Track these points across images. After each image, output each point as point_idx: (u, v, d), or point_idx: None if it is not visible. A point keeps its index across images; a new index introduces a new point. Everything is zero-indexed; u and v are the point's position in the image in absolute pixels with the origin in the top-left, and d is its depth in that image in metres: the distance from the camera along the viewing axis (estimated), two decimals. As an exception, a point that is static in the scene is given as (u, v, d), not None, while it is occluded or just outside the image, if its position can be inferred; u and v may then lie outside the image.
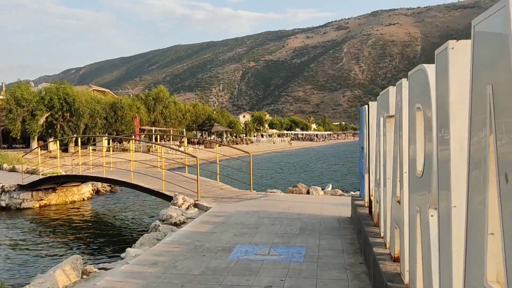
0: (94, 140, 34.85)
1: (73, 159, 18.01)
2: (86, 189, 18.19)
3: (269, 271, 5.28)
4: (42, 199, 16.37)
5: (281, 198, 11.57)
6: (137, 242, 7.77)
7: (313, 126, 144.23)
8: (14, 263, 9.50)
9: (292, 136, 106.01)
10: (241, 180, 14.55)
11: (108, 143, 27.50)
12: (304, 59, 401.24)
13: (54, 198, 16.71)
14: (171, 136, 50.75)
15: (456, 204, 2.15)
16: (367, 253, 5.27)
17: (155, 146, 34.93)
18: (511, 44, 1.43)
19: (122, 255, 6.82)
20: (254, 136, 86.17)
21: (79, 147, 17.84)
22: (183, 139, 44.53)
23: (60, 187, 16.83)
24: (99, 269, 5.99)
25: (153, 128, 51.12)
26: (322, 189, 13.00)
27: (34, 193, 16.23)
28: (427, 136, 2.80)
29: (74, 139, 35.67)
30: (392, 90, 4.36)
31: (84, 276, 5.68)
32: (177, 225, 8.75)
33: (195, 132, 66.16)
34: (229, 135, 73.45)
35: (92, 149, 20.00)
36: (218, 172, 14.42)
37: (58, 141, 24.11)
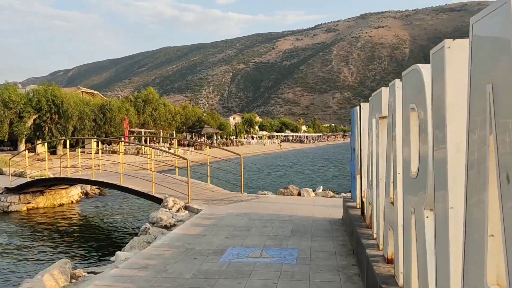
0: (83, 142, 34.53)
1: (62, 162, 17.78)
2: (75, 192, 17.97)
3: (262, 274, 5.23)
4: (29, 202, 16.14)
5: (272, 200, 11.54)
6: (127, 245, 7.68)
7: (303, 128, 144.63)
8: (1, 268, 9.33)
9: (282, 138, 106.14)
10: (232, 182, 14.49)
11: (97, 145, 27.33)
12: (294, 61, 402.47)
13: (42, 201, 16.48)
14: (161, 138, 50.51)
15: (453, 205, 2.12)
16: (359, 255, 5.25)
17: (144, 148, 34.71)
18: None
19: (112, 258, 6.73)
20: (244, 138, 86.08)
21: (68, 150, 17.61)
22: (173, 141, 44.33)
23: (48, 190, 16.61)
24: (88, 273, 5.90)
25: (143, 130, 50.83)
26: (313, 191, 13.00)
27: (21, 196, 15.99)
28: (422, 137, 2.77)
29: (62, 141, 35.32)
30: (384, 91, 4.33)
31: (73, 281, 5.58)
32: (168, 228, 8.67)
33: (185, 134, 65.92)
34: (219, 137, 73.29)
35: (81, 152, 19.78)
36: (208, 174, 14.34)
37: (46, 144, 23.94)
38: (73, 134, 39.26)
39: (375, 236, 4.93)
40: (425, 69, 2.70)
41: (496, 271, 1.66)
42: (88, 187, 19.29)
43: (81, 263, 9.22)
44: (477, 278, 1.76)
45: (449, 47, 2.17)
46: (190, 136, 66.33)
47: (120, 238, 12.10)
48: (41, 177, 16.62)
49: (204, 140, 63.63)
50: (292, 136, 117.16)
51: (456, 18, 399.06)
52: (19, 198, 15.94)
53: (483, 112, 1.68)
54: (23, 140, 37.64)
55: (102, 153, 29.53)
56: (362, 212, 6.41)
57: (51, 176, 17.15)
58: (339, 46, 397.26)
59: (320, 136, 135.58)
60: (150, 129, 52.97)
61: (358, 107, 6.59)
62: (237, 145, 69.47)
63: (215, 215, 9.14)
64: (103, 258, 9.43)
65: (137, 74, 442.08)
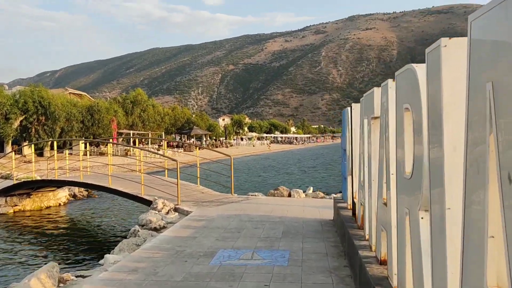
0: (71, 144, 34.13)
1: (49, 164, 17.55)
2: (63, 194, 17.74)
3: (253, 276, 5.18)
4: (16, 205, 15.89)
5: (263, 201, 11.49)
6: (116, 248, 7.57)
7: (293, 129, 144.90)
8: (-13, 272, 9.14)
9: (272, 139, 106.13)
10: (222, 184, 14.42)
11: (85, 147, 27.00)
12: (283, 63, 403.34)
13: (29, 203, 16.24)
14: (150, 140, 50.19)
15: (450, 206, 2.09)
16: (352, 256, 5.22)
17: (133, 149, 34.42)
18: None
19: (101, 262, 6.63)
20: (233, 139, 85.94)
21: (55, 151, 17.41)
22: (162, 143, 44.06)
23: (35, 192, 16.37)
24: (76, 277, 5.79)
25: (131, 132, 50.46)
26: (304, 192, 12.98)
27: (8, 198, 15.75)
28: (416, 137, 2.73)
29: (49, 143, 34.94)
30: (377, 91, 4.31)
31: (61, 285, 5.47)
32: (157, 230, 8.57)
33: (174, 135, 65.62)
34: (208, 138, 73.08)
35: (69, 153, 19.54)
36: (198, 176, 14.25)
37: (33, 145, 23.61)
38: (61, 135, 38.83)
39: (367, 237, 4.91)
40: (420, 69, 2.68)
41: (497, 273, 1.63)
42: (76, 189, 19.06)
43: (69, 267, 9.07)
44: (476, 279, 1.72)
45: (446, 46, 2.14)
46: (179, 137, 66.04)
47: (109, 241, 11.95)
48: (28, 179, 16.38)
49: (193, 141, 63.38)
50: (282, 137, 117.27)
51: (443, 20, 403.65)
52: (6, 201, 15.69)
53: (483, 110, 1.65)
54: (10, 142, 37.13)
55: (90, 154, 29.26)
56: (354, 213, 6.39)
57: (38, 178, 16.91)
58: (327, 48, 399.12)
59: (309, 137, 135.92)
60: (139, 131, 52.62)
61: (349, 108, 6.58)
62: (227, 147, 69.34)
63: (206, 217, 9.06)
64: (91, 262, 9.30)
65: (125, 75, 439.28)
